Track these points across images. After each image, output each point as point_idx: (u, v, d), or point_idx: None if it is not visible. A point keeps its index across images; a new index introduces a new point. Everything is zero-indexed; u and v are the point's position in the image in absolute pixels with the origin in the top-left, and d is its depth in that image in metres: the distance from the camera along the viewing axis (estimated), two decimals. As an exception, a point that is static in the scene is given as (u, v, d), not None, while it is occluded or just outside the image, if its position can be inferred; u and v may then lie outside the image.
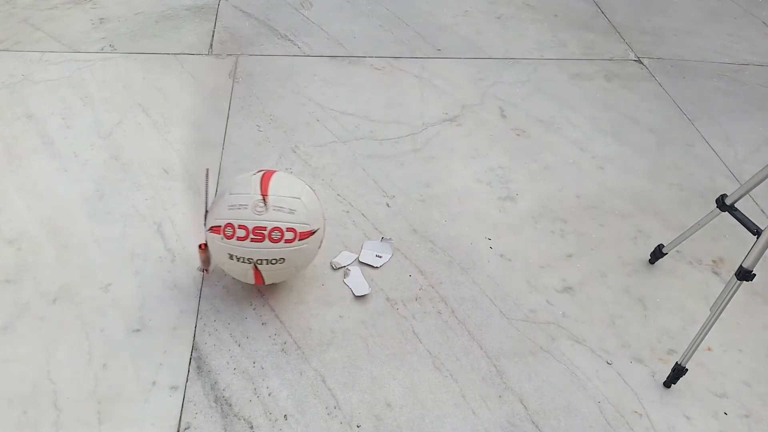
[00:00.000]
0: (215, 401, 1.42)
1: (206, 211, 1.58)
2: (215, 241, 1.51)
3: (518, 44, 2.84)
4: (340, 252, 1.78)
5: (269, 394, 1.44)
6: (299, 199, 1.53)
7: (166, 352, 1.50)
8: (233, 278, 1.67)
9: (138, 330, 1.53)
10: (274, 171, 1.58)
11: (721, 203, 1.54)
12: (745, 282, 1.37)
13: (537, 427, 1.44)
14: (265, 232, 1.46)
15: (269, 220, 1.47)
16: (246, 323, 1.58)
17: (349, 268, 1.74)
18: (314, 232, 1.54)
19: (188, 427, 1.37)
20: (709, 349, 1.66)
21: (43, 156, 1.99)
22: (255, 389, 1.45)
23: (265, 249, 1.47)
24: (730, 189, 2.16)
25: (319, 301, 1.66)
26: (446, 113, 2.37)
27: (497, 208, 1.99)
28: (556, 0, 3.25)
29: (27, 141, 2.04)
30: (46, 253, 1.69)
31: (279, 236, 1.47)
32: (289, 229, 1.48)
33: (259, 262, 1.49)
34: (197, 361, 1.49)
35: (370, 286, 1.69)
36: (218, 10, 2.83)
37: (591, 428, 1.45)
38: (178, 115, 2.21)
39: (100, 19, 2.69)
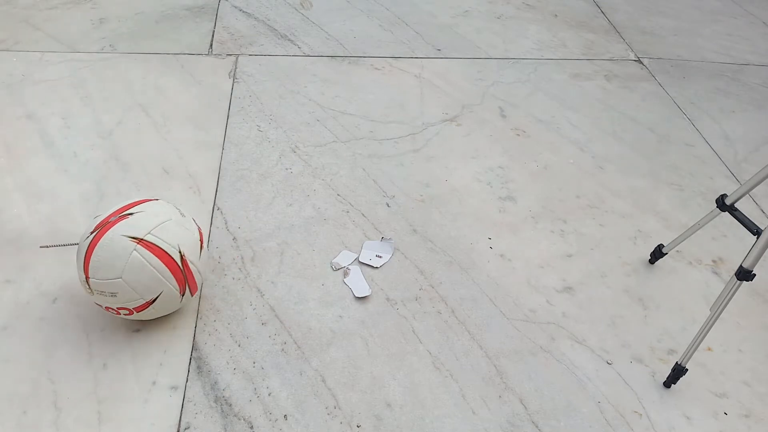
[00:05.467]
0: (215, 401, 1.42)
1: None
2: None
3: (518, 44, 2.85)
4: (340, 252, 1.78)
5: (269, 394, 1.44)
6: (120, 278, 1.36)
7: (166, 352, 1.50)
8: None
9: (138, 330, 1.53)
10: (108, 227, 1.38)
11: (721, 203, 1.54)
12: (745, 282, 1.37)
13: (537, 427, 1.44)
14: (102, 307, 1.44)
15: (97, 302, 1.42)
16: (246, 323, 1.58)
17: (349, 268, 1.74)
18: (154, 300, 1.42)
19: (188, 427, 1.37)
20: (709, 349, 1.66)
21: (43, 156, 1.99)
22: (255, 389, 1.45)
23: (116, 316, 1.46)
24: (730, 189, 2.16)
25: (319, 301, 1.66)
26: (446, 113, 2.37)
27: (497, 208, 1.99)
28: (556, 0, 3.25)
29: (27, 141, 2.04)
30: (46, 253, 1.69)
31: (115, 313, 1.44)
32: (120, 308, 1.41)
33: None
34: (197, 361, 1.49)
35: (370, 287, 1.69)
36: (218, 10, 2.83)
37: (591, 428, 1.45)
38: (178, 115, 2.21)
39: (100, 19, 2.69)
